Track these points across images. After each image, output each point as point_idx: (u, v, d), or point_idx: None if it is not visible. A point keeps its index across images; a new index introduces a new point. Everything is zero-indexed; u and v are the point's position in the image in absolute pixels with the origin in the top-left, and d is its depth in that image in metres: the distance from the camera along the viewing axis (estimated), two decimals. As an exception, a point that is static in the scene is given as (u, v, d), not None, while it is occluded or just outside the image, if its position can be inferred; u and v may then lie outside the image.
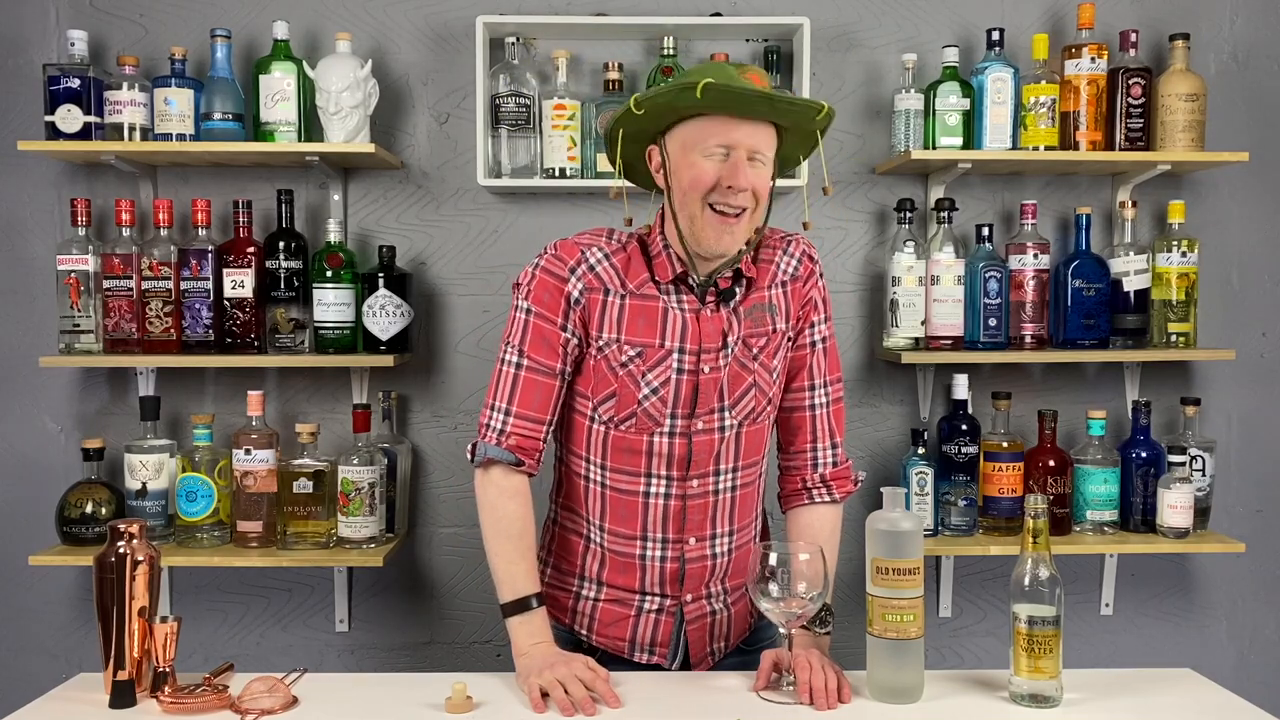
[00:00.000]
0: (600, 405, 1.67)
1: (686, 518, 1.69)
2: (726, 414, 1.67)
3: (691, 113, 1.57)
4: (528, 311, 1.66)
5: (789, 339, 1.72)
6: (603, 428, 1.68)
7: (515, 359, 1.66)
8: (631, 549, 1.71)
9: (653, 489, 1.68)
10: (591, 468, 1.71)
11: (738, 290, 1.67)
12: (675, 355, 1.64)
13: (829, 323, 1.76)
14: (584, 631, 1.76)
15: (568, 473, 1.77)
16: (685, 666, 1.77)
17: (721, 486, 1.70)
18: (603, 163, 2.43)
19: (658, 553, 1.70)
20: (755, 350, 1.67)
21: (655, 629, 1.73)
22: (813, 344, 1.73)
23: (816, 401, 1.74)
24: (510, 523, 1.67)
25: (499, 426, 1.66)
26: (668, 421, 1.66)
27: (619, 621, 1.74)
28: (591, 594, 1.75)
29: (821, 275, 1.75)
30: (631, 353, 1.64)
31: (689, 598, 1.73)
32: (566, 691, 1.51)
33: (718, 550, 1.73)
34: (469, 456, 1.69)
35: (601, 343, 1.65)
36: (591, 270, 1.65)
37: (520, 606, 1.63)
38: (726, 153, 1.57)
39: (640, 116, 1.60)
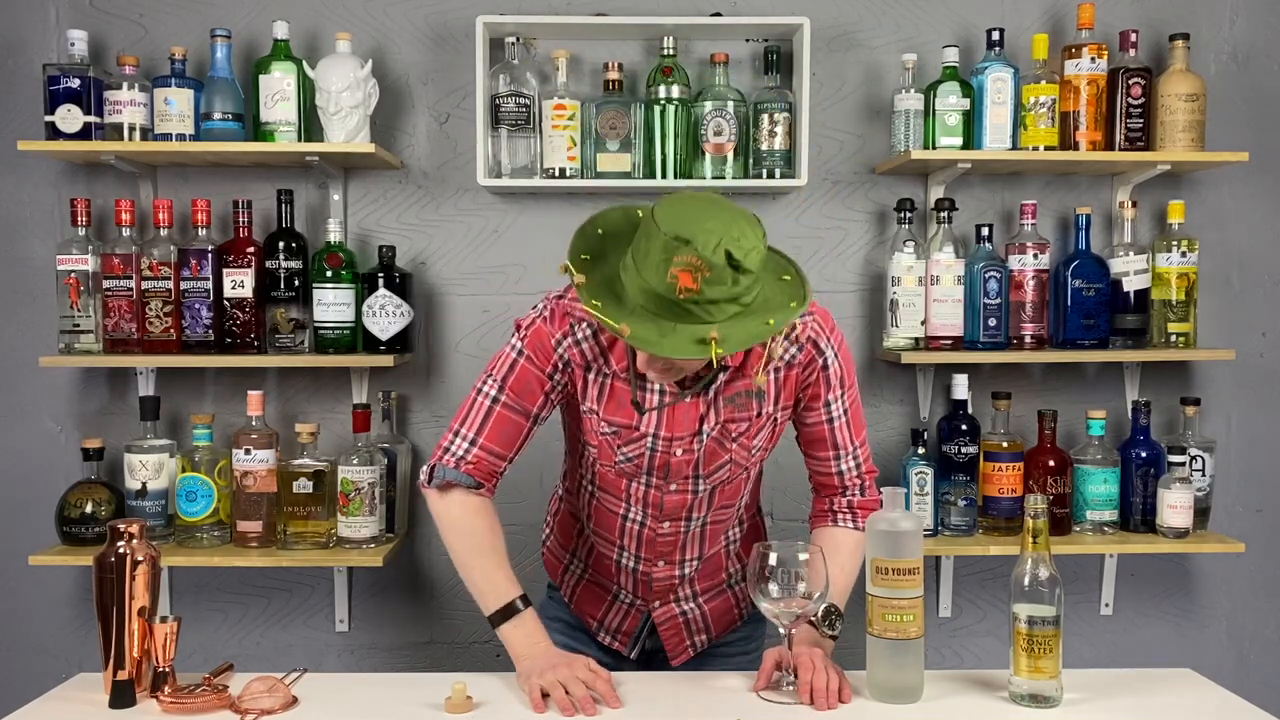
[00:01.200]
0: (585, 444, 1.73)
1: (655, 547, 1.77)
2: (700, 481, 1.71)
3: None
4: (520, 353, 1.66)
5: (785, 411, 1.69)
6: (592, 459, 1.73)
7: (494, 393, 1.66)
8: (610, 553, 1.81)
9: (631, 516, 1.75)
10: (585, 481, 1.79)
11: (720, 377, 1.62)
12: (649, 439, 1.67)
13: (849, 390, 1.70)
14: (566, 597, 1.90)
15: (570, 469, 1.84)
16: (646, 658, 1.87)
17: (692, 528, 1.77)
18: (603, 163, 2.43)
19: (631, 563, 1.80)
20: (735, 434, 1.67)
21: (623, 618, 1.85)
22: (830, 421, 1.70)
23: (844, 468, 1.74)
24: (482, 538, 1.68)
25: (460, 453, 1.66)
26: (644, 479, 1.71)
27: (595, 600, 1.86)
28: (578, 571, 1.89)
29: (835, 355, 1.67)
30: (608, 430, 1.67)
31: (656, 604, 1.83)
32: (567, 692, 1.51)
33: (686, 572, 1.82)
34: (424, 478, 1.69)
35: (584, 409, 1.68)
36: (577, 345, 1.64)
37: (508, 612, 1.64)
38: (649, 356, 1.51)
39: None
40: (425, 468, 1.69)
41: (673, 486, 1.70)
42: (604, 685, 1.54)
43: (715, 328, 1.41)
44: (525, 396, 1.65)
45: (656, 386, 1.63)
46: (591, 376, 1.65)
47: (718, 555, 1.84)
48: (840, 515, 1.75)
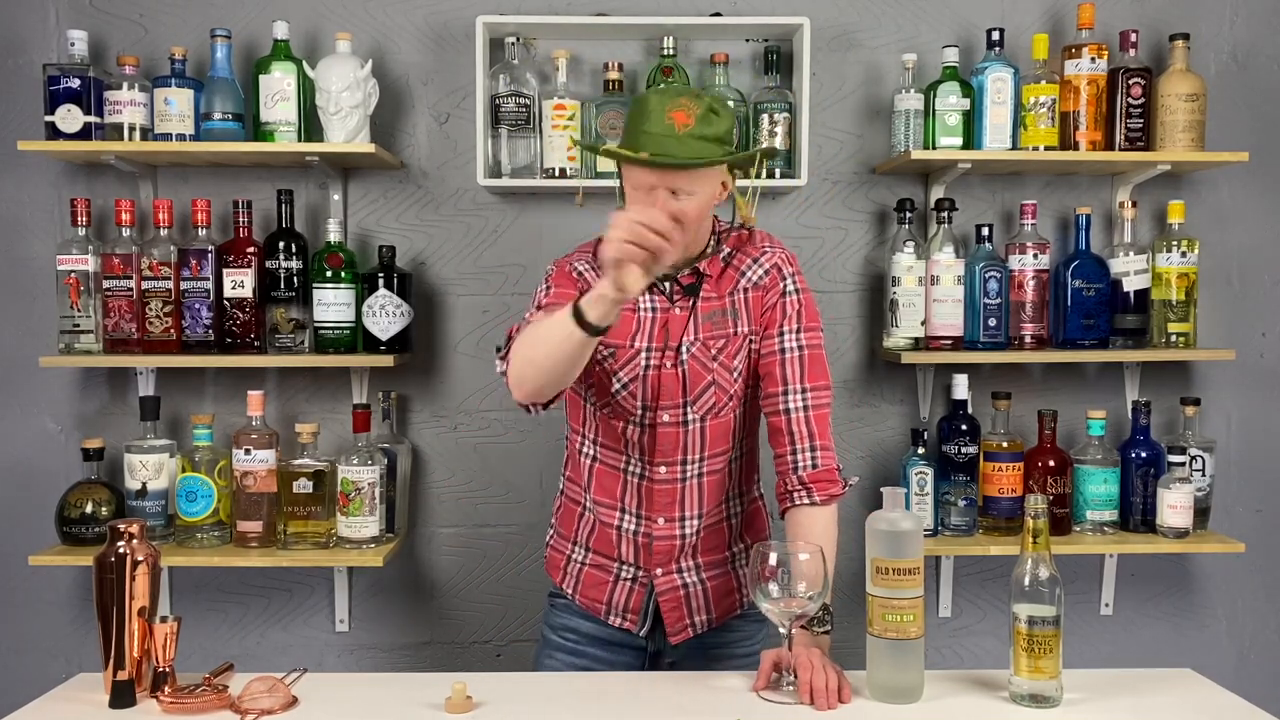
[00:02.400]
0: (586, 391, 1.83)
1: (654, 499, 1.81)
2: (689, 409, 1.78)
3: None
4: (548, 289, 1.82)
5: (753, 342, 1.79)
6: (592, 408, 1.83)
7: (534, 313, 1.78)
8: (611, 519, 1.85)
9: (630, 468, 1.82)
10: (586, 443, 1.86)
11: (702, 286, 1.79)
12: (643, 354, 1.78)
13: (808, 333, 1.79)
14: (569, 591, 1.90)
15: (571, 449, 1.91)
16: (659, 634, 1.87)
17: (688, 474, 1.81)
18: (603, 163, 2.43)
19: (631, 526, 1.83)
20: (714, 350, 1.78)
21: (629, 596, 1.86)
22: (781, 350, 1.77)
23: (790, 406, 1.76)
24: (534, 330, 1.68)
25: (521, 323, 1.78)
26: (639, 412, 1.79)
27: (599, 585, 1.87)
28: (580, 558, 1.90)
29: (796, 288, 1.80)
30: (605, 352, 1.78)
31: (658, 571, 1.84)
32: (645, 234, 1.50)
33: (686, 531, 1.83)
34: (498, 362, 1.75)
35: None
36: (580, 278, 1.83)
37: (575, 312, 1.57)
38: (649, 190, 1.66)
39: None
40: (498, 361, 1.76)
41: (665, 416, 1.77)
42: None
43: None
44: (565, 286, 1.79)
45: (647, 303, 1.78)
46: None
47: (719, 525, 1.86)
48: (796, 494, 1.74)
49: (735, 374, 1.79)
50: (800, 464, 1.75)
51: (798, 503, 1.74)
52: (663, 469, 1.80)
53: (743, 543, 1.90)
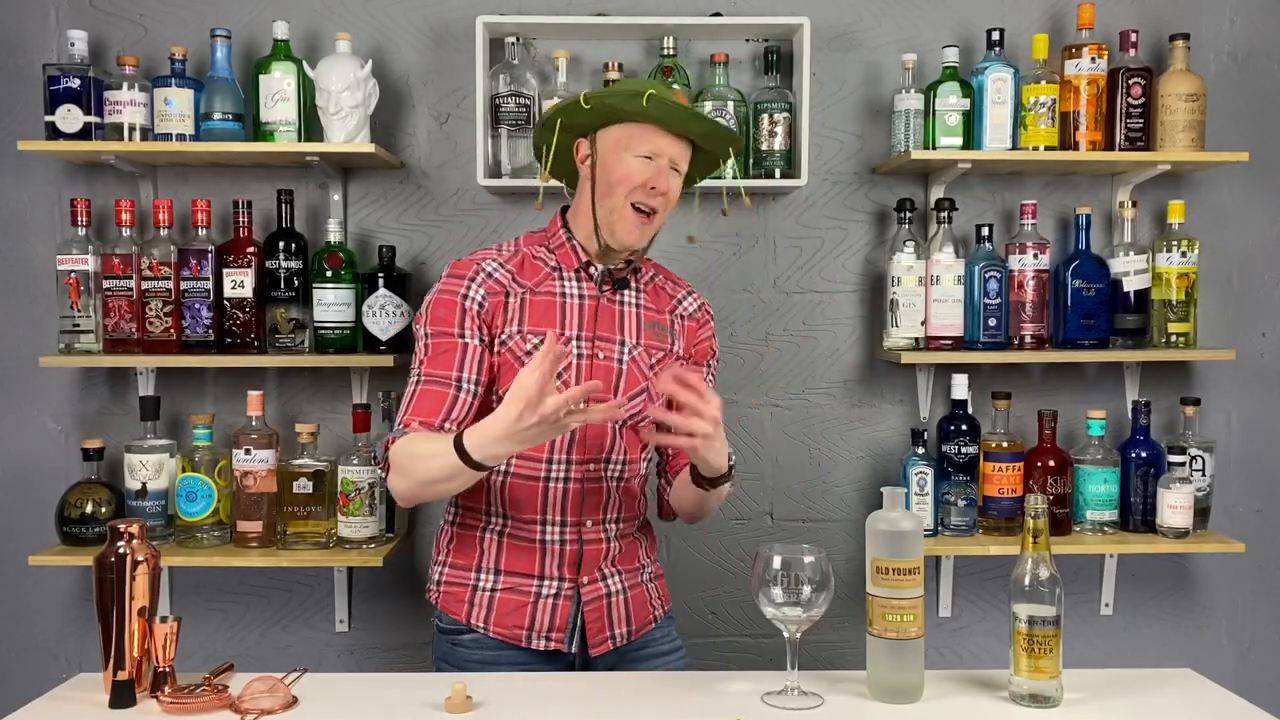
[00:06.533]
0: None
1: (585, 500, 1.80)
2: (620, 409, 1.77)
3: (630, 118, 1.75)
4: (425, 336, 1.77)
5: (681, 364, 1.86)
6: None
7: (414, 381, 1.76)
8: (532, 533, 1.80)
9: (553, 474, 1.78)
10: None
11: (630, 280, 1.85)
12: (575, 342, 1.79)
13: (715, 377, 1.97)
14: (480, 623, 1.80)
15: None
16: (584, 651, 1.82)
17: (611, 474, 1.82)
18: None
19: (557, 535, 1.80)
20: (653, 359, 1.84)
21: (553, 614, 1.80)
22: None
23: None
24: (410, 446, 1.67)
25: (396, 434, 1.71)
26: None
27: (516, 610, 1.79)
28: (489, 584, 1.81)
29: (714, 335, 1.97)
30: (535, 341, 1.75)
31: (585, 580, 1.81)
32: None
33: (610, 535, 1.84)
34: (381, 473, 1.75)
35: (504, 336, 1.77)
36: (490, 277, 1.79)
37: (459, 448, 1.58)
38: (654, 158, 1.75)
39: (582, 111, 1.76)
40: (380, 465, 1.75)
41: (595, 413, 1.71)
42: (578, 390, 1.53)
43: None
44: (442, 365, 1.73)
45: (576, 289, 1.81)
46: (511, 300, 1.78)
47: (633, 537, 1.88)
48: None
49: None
50: None
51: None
52: (591, 466, 1.79)
53: (649, 558, 1.93)
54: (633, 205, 1.75)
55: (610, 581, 1.84)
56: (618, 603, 1.84)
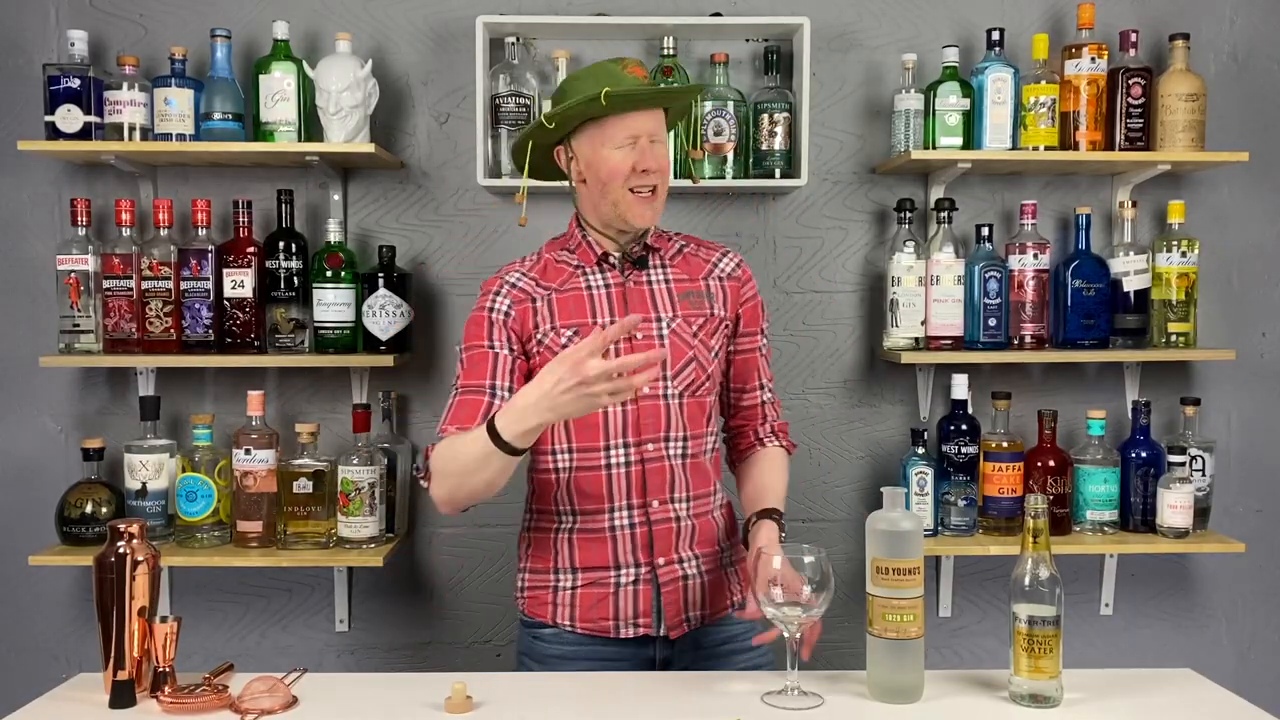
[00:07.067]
0: None
1: (647, 481, 1.79)
2: (669, 383, 1.80)
3: (596, 115, 1.76)
4: (460, 354, 1.82)
5: (727, 328, 1.89)
6: None
7: (452, 394, 1.80)
8: (601, 523, 1.80)
9: (614, 459, 1.79)
10: (557, 458, 1.81)
11: (650, 257, 1.87)
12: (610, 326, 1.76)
13: (768, 336, 1.99)
14: (566, 622, 1.81)
15: (536, 480, 1.87)
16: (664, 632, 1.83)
17: (673, 453, 1.81)
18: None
19: (625, 520, 1.80)
20: (695, 328, 1.84)
21: (635, 600, 1.80)
22: (761, 350, 1.95)
23: (766, 398, 1.96)
24: (449, 447, 1.70)
25: (435, 443, 1.75)
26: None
27: (599, 603, 1.80)
28: (569, 583, 1.82)
29: (756, 290, 1.96)
30: (569, 333, 1.79)
31: (661, 561, 1.80)
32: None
33: (680, 514, 1.82)
34: (424, 484, 1.75)
35: (540, 335, 1.80)
36: (514, 287, 1.84)
37: (491, 431, 1.59)
38: (633, 142, 1.76)
39: (549, 130, 1.79)
40: (420, 480, 1.78)
41: (645, 389, 1.76)
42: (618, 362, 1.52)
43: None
44: (476, 375, 1.77)
45: (600, 280, 1.83)
46: (539, 303, 1.82)
47: (707, 516, 1.85)
48: (768, 439, 1.94)
49: (713, 353, 1.85)
50: (772, 425, 1.96)
51: (769, 444, 1.94)
52: (650, 446, 1.78)
53: (729, 540, 1.90)
54: (631, 191, 1.77)
55: (687, 565, 1.82)
56: (694, 585, 1.82)
